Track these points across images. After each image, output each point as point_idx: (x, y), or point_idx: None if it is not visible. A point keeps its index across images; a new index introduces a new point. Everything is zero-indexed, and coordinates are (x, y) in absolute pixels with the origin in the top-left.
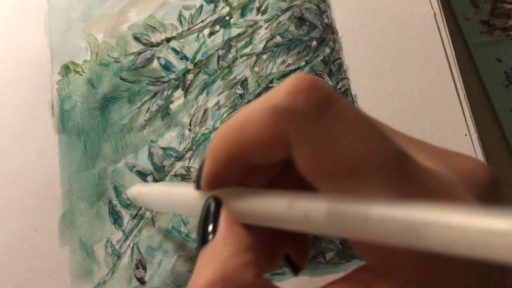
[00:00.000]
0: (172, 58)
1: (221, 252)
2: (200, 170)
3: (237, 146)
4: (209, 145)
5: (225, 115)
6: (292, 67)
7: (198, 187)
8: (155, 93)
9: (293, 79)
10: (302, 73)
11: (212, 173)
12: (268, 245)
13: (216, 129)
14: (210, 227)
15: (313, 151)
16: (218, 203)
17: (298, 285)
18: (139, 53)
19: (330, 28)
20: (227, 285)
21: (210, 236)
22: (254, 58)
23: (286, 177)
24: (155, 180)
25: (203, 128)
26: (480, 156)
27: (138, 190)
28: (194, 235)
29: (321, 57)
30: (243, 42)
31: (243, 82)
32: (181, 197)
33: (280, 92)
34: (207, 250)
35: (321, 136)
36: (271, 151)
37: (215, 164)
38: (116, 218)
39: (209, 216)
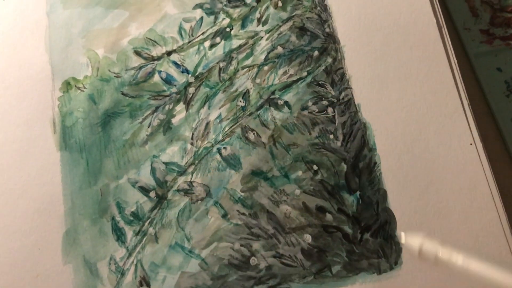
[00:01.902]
0: (173, 71)
1: None
2: None
3: None
4: None
5: (227, 128)
6: (294, 78)
7: None
8: (157, 108)
9: None
10: None
11: None
12: None
13: (219, 141)
14: None
15: None
16: None
17: None
18: (140, 68)
19: (331, 38)
20: None
21: None
22: (255, 69)
23: None
24: (158, 196)
25: (205, 142)
26: (485, 164)
27: (437, 257)
28: (197, 251)
29: (323, 67)
30: (244, 54)
31: (245, 94)
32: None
33: None
34: None
35: None
36: None
37: None
38: (119, 235)
39: None
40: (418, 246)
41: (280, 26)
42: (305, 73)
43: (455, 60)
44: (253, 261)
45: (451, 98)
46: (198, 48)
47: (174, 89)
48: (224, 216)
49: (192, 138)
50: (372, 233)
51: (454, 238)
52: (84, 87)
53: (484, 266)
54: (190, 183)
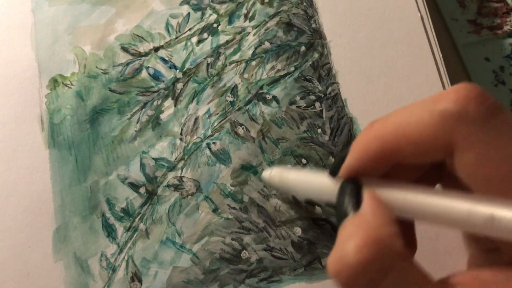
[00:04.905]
0: (161, 67)
1: (369, 221)
2: (339, 160)
3: (393, 144)
4: (355, 140)
5: (216, 123)
6: (282, 73)
7: (334, 175)
8: (145, 103)
9: (461, 88)
10: (468, 84)
11: (355, 165)
12: None
13: (209, 136)
14: (351, 202)
15: (477, 154)
16: (358, 182)
17: None
18: (128, 64)
19: (318, 33)
20: (379, 248)
21: (351, 212)
22: (243, 64)
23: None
24: (148, 192)
25: (195, 137)
26: None
27: (280, 176)
28: (188, 246)
29: (310, 62)
30: (231, 49)
31: (233, 89)
32: (318, 184)
33: (449, 98)
34: (352, 221)
35: (487, 141)
36: (429, 152)
37: (362, 157)
38: (110, 231)
39: (349, 192)
40: (268, 175)
41: (267, 22)
42: (292, 68)
43: (440, 54)
44: (244, 254)
45: (435, 91)
46: (186, 44)
47: (162, 85)
48: (215, 210)
49: (181, 134)
50: None
51: None
52: (72, 84)
53: (310, 174)
54: (180, 178)
